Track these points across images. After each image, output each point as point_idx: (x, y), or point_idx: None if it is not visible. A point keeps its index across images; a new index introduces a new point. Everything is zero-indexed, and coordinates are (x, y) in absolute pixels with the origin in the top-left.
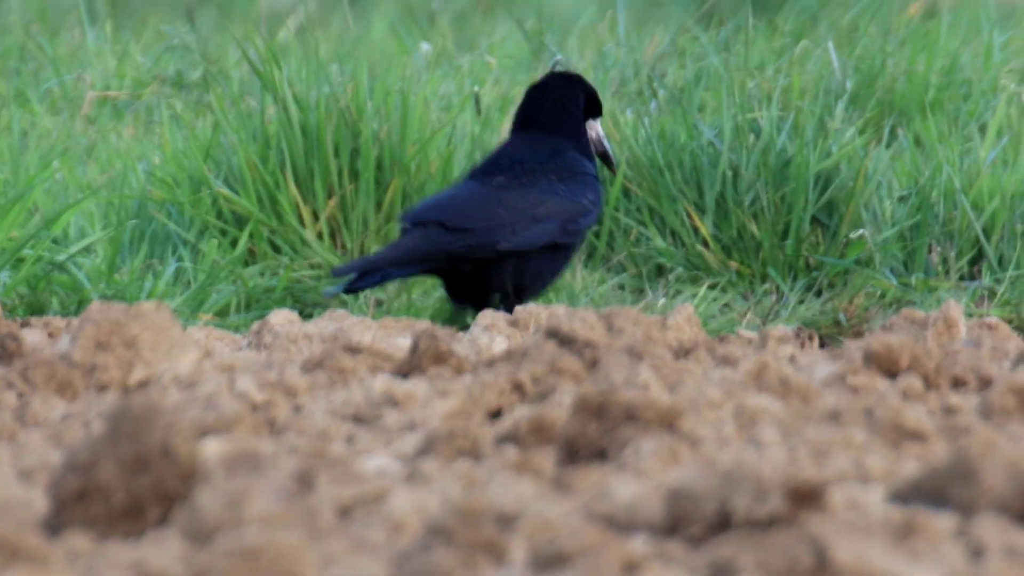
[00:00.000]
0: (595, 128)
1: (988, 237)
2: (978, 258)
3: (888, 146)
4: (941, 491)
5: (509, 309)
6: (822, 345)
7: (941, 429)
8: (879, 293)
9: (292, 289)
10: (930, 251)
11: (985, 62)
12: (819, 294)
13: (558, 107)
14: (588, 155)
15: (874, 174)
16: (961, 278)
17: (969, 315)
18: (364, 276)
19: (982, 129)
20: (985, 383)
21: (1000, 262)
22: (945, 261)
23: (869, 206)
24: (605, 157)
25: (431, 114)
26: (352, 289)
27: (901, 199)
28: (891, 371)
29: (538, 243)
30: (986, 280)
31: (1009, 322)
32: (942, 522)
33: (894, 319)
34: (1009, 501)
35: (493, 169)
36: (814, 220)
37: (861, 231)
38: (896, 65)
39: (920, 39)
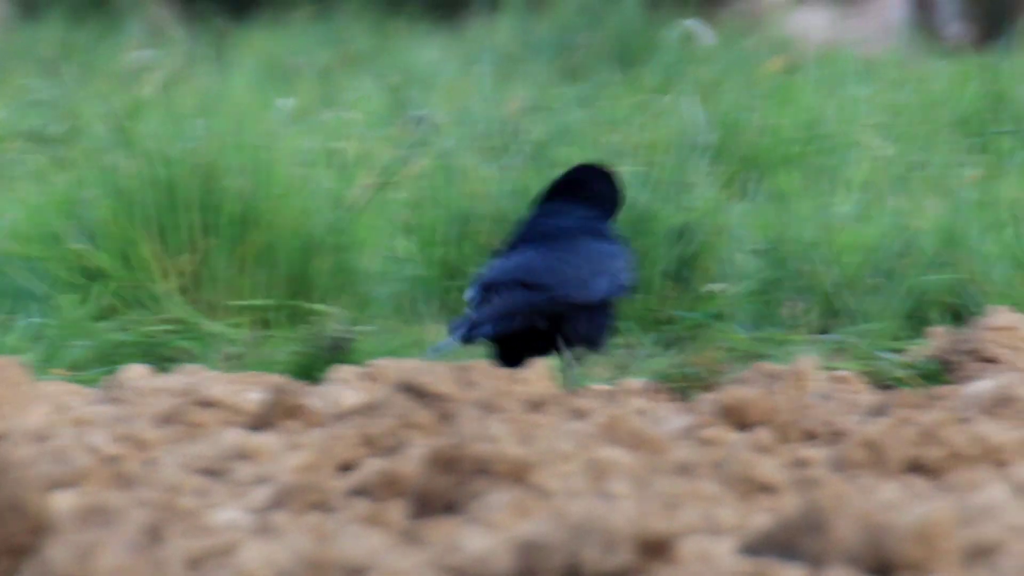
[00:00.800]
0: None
1: (843, 291)
2: (832, 312)
3: (748, 200)
4: (791, 543)
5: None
6: (674, 398)
7: (792, 481)
8: (732, 347)
9: (147, 344)
10: (785, 305)
11: (846, 116)
12: (672, 347)
13: (595, 188)
14: (620, 240)
15: (732, 228)
16: (815, 332)
17: (822, 368)
18: (476, 327)
19: (843, 183)
20: (837, 436)
21: (854, 316)
22: (799, 315)
23: (726, 260)
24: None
25: (291, 170)
26: (469, 338)
27: (757, 253)
28: (743, 424)
29: (598, 297)
30: (840, 334)
31: (861, 375)
32: (792, 574)
33: (747, 372)
34: (859, 554)
35: (539, 235)
36: (670, 274)
37: (717, 285)
38: (758, 120)
39: (782, 94)
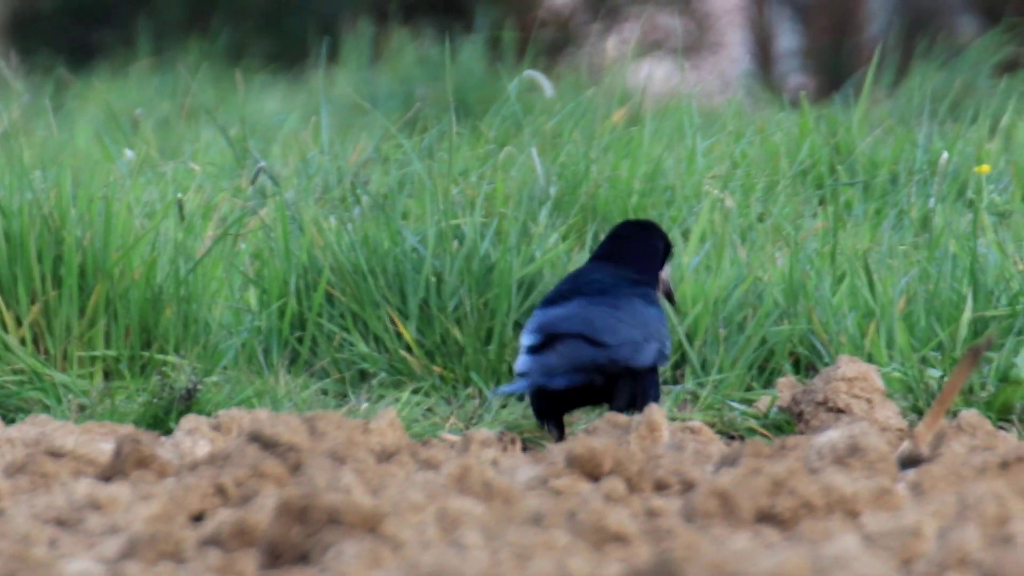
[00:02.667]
0: (666, 272)
1: (691, 342)
2: (681, 362)
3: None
4: None
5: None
6: (525, 448)
7: (644, 532)
8: None
9: None
10: None
11: (688, 168)
12: (522, 398)
13: (640, 248)
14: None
15: None
16: (664, 382)
17: (672, 419)
18: (549, 376)
19: (685, 234)
20: (688, 486)
21: (703, 366)
22: None
23: None
24: (669, 296)
25: (134, 221)
26: (540, 385)
27: None
28: (594, 474)
29: (648, 362)
30: (689, 384)
31: (712, 426)
32: None
33: (597, 423)
34: None
35: (590, 290)
36: (517, 325)
37: None
38: (600, 171)
39: (623, 145)
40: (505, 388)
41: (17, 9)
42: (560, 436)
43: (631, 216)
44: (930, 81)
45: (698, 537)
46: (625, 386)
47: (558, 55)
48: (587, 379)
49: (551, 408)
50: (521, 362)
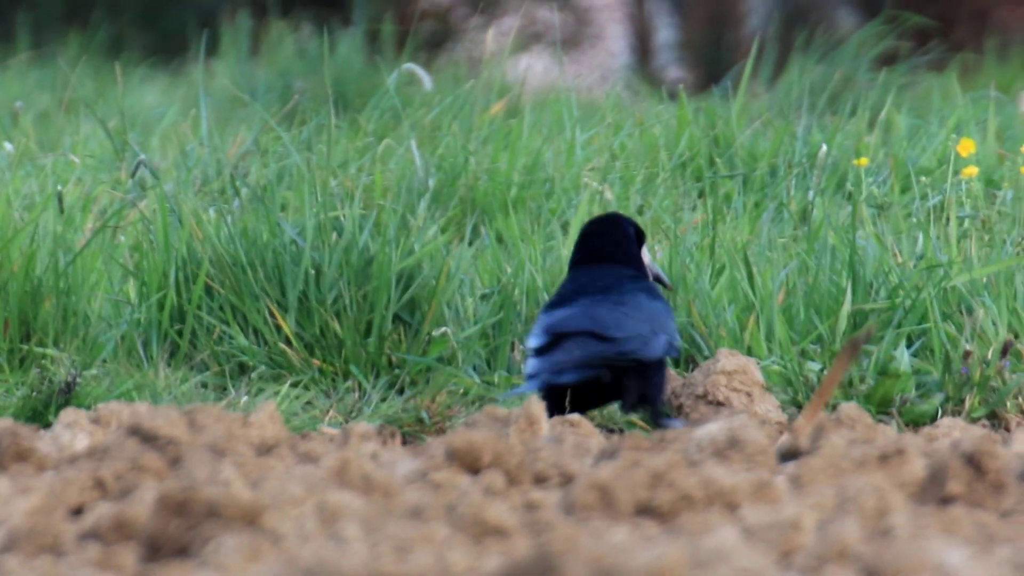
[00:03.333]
0: (644, 255)
1: None
2: None
3: (471, 244)
4: None
5: (656, 422)
6: (405, 442)
7: (523, 525)
8: (462, 390)
9: None
10: (512, 348)
11: (567, 160)
12: (402, 391)
13: (617, 242)
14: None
15: (456, 272)
16: None
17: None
18: (557, 374)
19: (564, 226)
20: (567, 479)
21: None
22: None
23: (452, 304)
24: (659, 279)
25: (13, 213)
26: (550, 384)
27: (484, 297)
28: (473, 467)
29: (657, 355)
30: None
31: (591, 419)
32: None
33: (477, 416)
34: None
35: (590, 291)
36: (397, 318)
37: (444, 329)
38: (478, 163)
39: (502, 138)
40: (514, 391)
41: None
42: None
43: (510, 209)
44: (809, 74)
45: (577, 530)
46: (634, 381)
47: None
48: (595, 374)
49: (562, 408)
50: (529, 365)
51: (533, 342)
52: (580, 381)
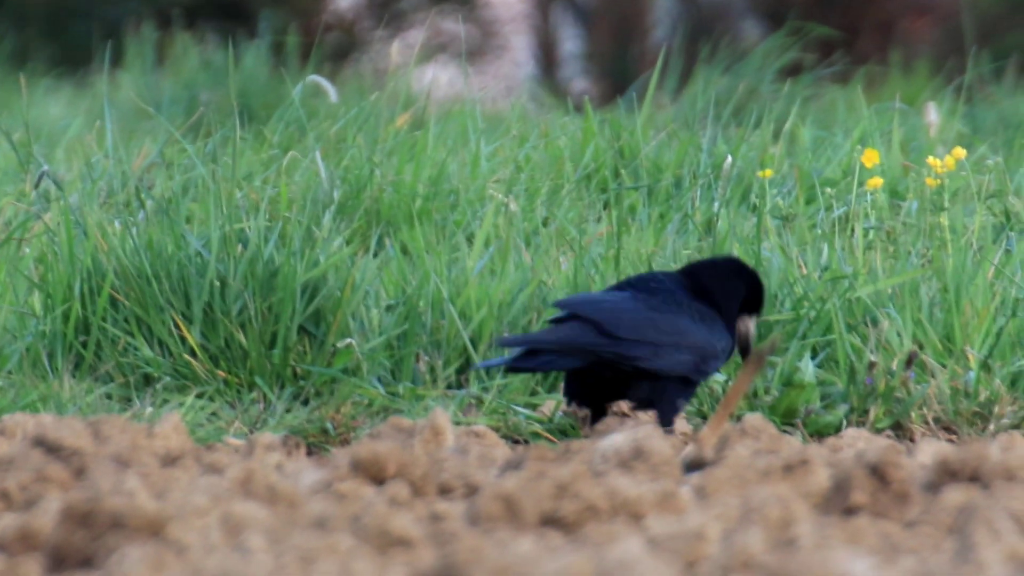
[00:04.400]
0: (747, 323)
1: (476, 346)
2: (465, 366)
3: (376, 255)
4: None
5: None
6: (309, 453)
7: (428, 536)
8: (367, 402)
9: None
10: (418, 360)
11: (472, 172)
12: (307, 402)
13: (723, 279)
14: (724, 328)
15: (361, 283)
16: (449, 386)
17: (456, 423)
18: (529, 356)
19: (469, 238)
20: (472, 490)
21: (488, 371)
22: (433, 370)
23: (357, 315)
24: (744, 349)
25: None
26: (515, 369)
27: (389, 308)
28: (378, 478)
29: (674, 371)
30: (473, 389)
31: (496, 430)
32: None
33: (381, 427)
34: None
35: (644, 288)
36: (302, 329)
37: (348, 340)
38: (383, 175)
39: (408, 149)
40: (490, 361)
41: None
42: (590, 418)
43: (415, 220)
44: (714, 85)
45: (482, 541)
46: (643, 389)
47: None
48: (572, 365)
49: (575, 389)
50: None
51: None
52: (549, 369)
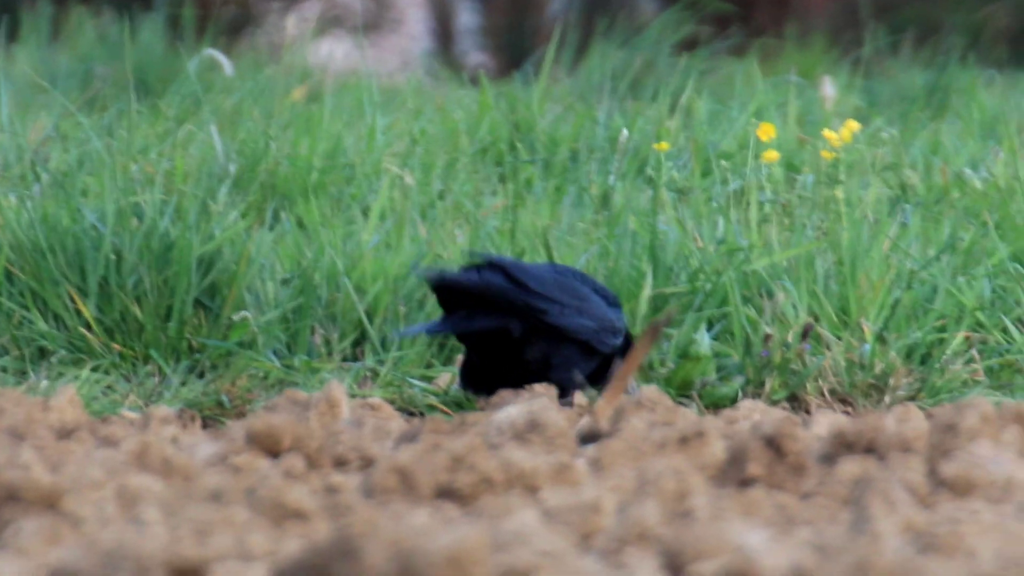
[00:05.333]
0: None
1: (371, 319)
2: (361, 339)
3: (271, 229)
4: (324, 569)
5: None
6: (205, 426)
7: (324, 508)
8: (262, 374)
9: None
10: (313, 333)
11: (368, 145)
12: (202, 376)
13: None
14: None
15: (257, 257)
16: (344, 359)
17: (352, 396)
18: (445, 321)
19: (365, 212)
20: (368, 462)
21: (383, 343)
22: (328, 342)
23: (252, 288)
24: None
25: None
26: (434, 331)
27: (284, 281)
28: (274, 451)
29: (576, 333)
30: (369, 361)
31: (392, 403)
32: None
33: (277, 400)
34: None
35: (558, 266)
36: (197, 303)
37: (244, 313)
38: (279, 148)
39: (303, 123)
40: (416, 328)
41: None
42: (485, 394)
43: (311, 194)
44: (610, 59)
45: (377, 513)
46: (540, 347)
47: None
48: (503, 324)
49: (470, 374)
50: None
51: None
52: (490, 329)
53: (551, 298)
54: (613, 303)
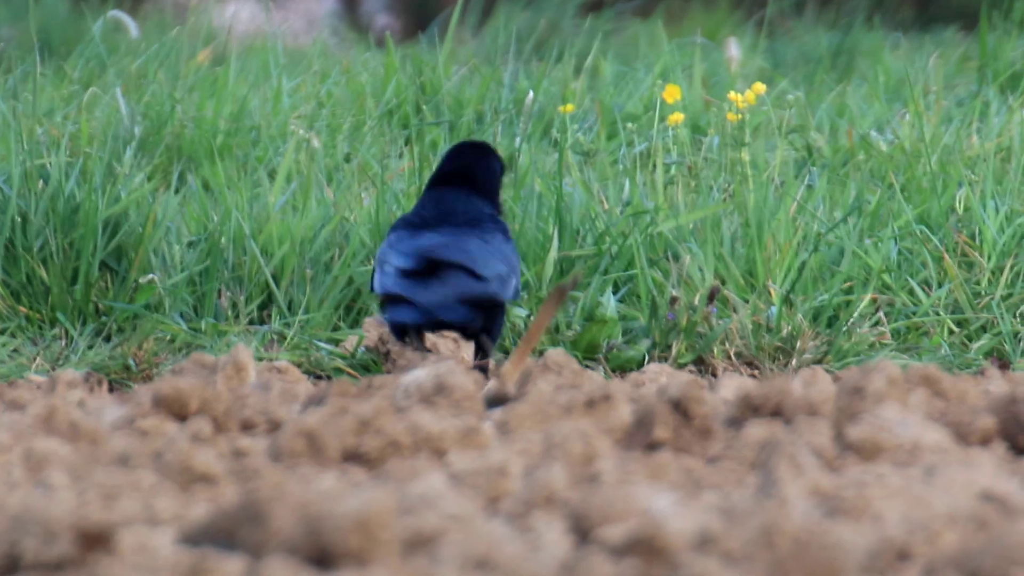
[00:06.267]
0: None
1: (277, 282)
2: (268, 303)
3: (177, 192)
4: (231, 533)
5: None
6: (112, 389)
7: (231, 472)
8: (169, 338)
9: None
10: (220, 295)
11: (274, 108)
12: (109, 339)
13: (484, 173)
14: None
15: (163, 219)
16: (251, 322)
17: (259, 359)
18: (437, 311)
19: (271, 174)
20: (275, 426)
21: (289, 306)
22: (235, 306)
23: (159, 251)
24: None
25: None
26: (426, 320)
27: (191, 244)
28: (181, 414)
29: (512, 296)
30: (275, 324)
31: (299, 366)
32: (231, 565)
33: (184, 363)
34: (299, 544)
35: (454, 220)
36: (104, 265)
37: (151, 276)
38: (185, 111)
39: (209, 85)
40: (391, 315)
41: None
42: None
43: (217, 156)
44: (515, 21)
45: (285, 477)
46: (492, 322)
47: None
48: (474, 315)
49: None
50: (395, 284)
51: (398, 260)
52: (464, 321)
53: (496, 275)
54: (506, 226)
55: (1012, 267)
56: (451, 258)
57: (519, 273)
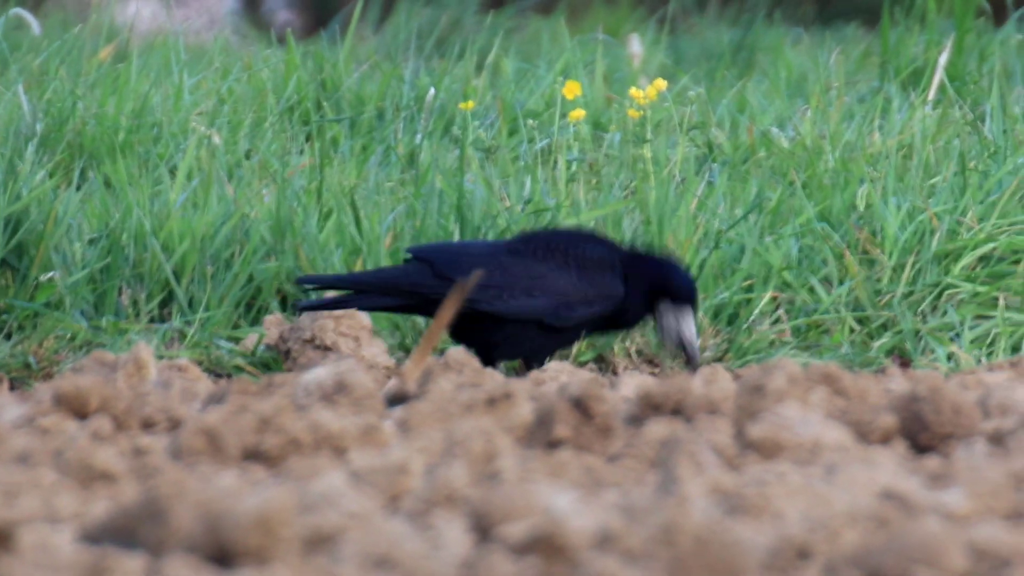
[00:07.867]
0: (682, 325)
1: (179, 279)
2: (168, 300)
3: (79, 189)
4: (132, 531)
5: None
6: (12, 388)
7: (131, 470)
8: (70, 336)
9: None
10: (121, 293)
11: (175, 104)
12: (9, 337)
13: (653, 267)
14: (616, 276)
15: (64, 217)
16: (152, 320)
17: (159, 357)
18: (341, 304)
19: (172, 171)
20: (175, 424)
21: (191, 304)
22: (136, 303)
23: (60, 249)
24: (686, 349)
25: None
26: (338, 305)
27: (92, 241)
28: (81, 412)
29: (521, 315)
30: (176, 322)
31: (199, 364)
32: (132, 563)
33: (85, 361)
34: (199, 542)
35: (523, 239)
36: (3, 263)
37: (51, 274)
38: (87, 108)
39: (111, 82)
40: (309, 301)
41: None
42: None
43: (118, 153)
44: (416, 17)
45: (185, 475)
46: (489, 329)
47: None
48: (415, 305)
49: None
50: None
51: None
52: (373, 308)
53: (485, 284)
54: (611, 265)
55: (913, 264)
56: (423, 254)
57: (566, 297)
